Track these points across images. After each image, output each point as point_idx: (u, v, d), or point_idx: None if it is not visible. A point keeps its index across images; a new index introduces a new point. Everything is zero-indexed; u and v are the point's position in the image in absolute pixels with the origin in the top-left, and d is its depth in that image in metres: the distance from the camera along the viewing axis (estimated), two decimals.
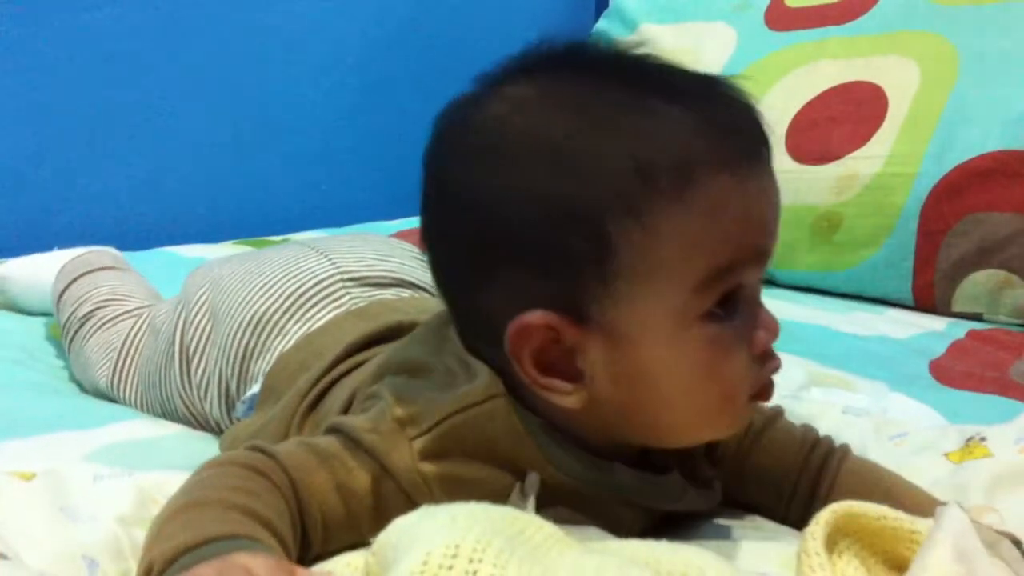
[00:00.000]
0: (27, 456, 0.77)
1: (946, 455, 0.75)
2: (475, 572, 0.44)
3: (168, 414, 0.92)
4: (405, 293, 0.86)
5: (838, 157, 1.43)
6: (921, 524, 0.55)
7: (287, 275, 0.85)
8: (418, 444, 0.59)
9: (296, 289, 0.84)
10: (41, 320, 1.23)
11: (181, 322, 0.90)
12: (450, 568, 0.44)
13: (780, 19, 1.67)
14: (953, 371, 1.08)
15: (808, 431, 0.71)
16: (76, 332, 1.05)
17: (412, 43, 2.02)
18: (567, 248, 0.56)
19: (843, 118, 1.46)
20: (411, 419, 0.59)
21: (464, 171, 0.59)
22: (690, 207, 0.56)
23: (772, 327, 0.60)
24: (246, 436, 0.75)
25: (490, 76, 0.61)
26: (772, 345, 0.60)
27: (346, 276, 0.85)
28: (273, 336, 0.82)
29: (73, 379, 1.06)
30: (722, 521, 0.67)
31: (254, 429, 0.76)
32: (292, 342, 0.81)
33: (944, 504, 0.58)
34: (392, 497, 0.59)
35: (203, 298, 0.90)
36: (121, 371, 0.97)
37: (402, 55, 2.00)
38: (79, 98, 1.68)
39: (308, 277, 0.84)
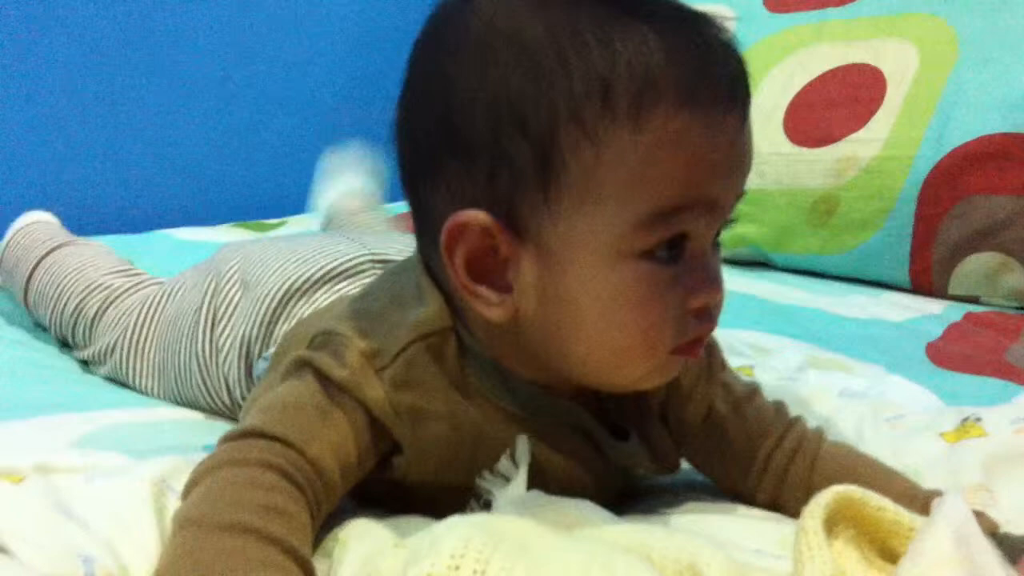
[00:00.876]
0: (22, 439, 0.78)
1: (942, 435, 0.75)
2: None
3: (180, 381, 0.92)
4: None
5: (836, 140, 1.43)
6: (920, 521, 0.55)
7: (320, 252, 0.86)
8: (387, 375, 0.59)
9: (328, 263, 0.85)
10: None
11: (210, 291, 0.91)
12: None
13: (779, 1, 1.67)
14: (950, 354, 1.08)
15: (782, 409, 0.70)
16: (73, 325, 1.05)
17: (410, 27, 2.00)
18: (515, 154, 0.55)
19: (841, 101, 1.46)
20: (374, 352, 0.59)
21: (434, 63, 0.59)
22: (644, 137, 0.54)
23: (713, 288, 0.58)
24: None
25: None
26: (714, 308, 0.59)
27: (377, 258, 0.86)
28: (301, 304, 0.83)
29: (72, 361, 1.06)
30: (708, 502, 0.67)
31: (265, 386, 0.76)
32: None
33: (934, 491, 0.59)
34: (367, 432, 0.59)
35: (234, 268, 0.91)
36: (136, 341, 0.97)
37: (400, 39, 1.99)
38: (78, 83, 1.68)
39: (340, 255, 0.86)
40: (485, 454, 0.61)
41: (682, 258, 0.57)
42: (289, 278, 0.85)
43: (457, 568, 0.46)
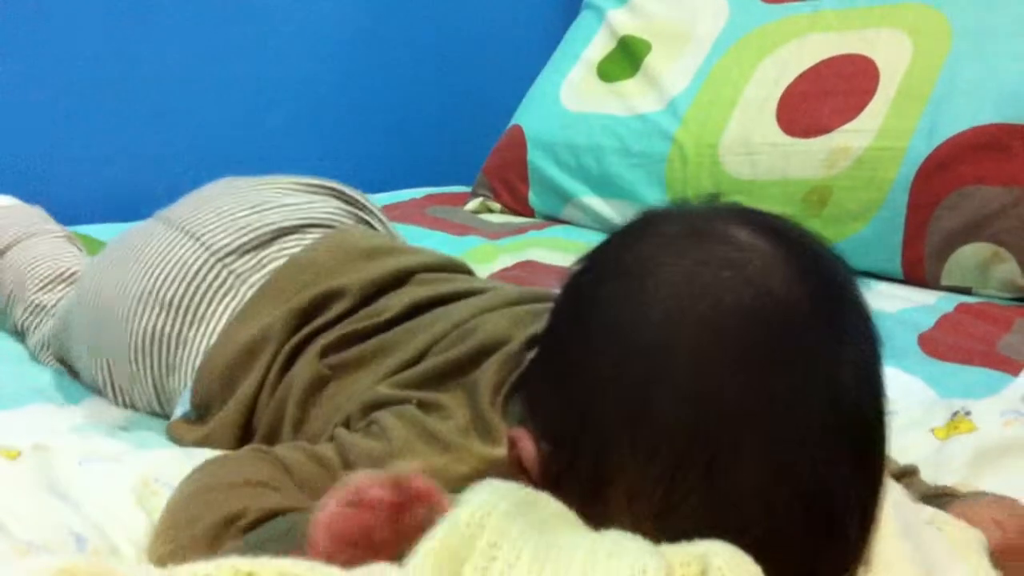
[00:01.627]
0: (15, 427, 0.77)
1: (932, 431, 0.75)
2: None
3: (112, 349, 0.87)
4: (291, 240, 0.81)
5: (829, 131, 1.43)
6: None
7: (159, 277, 0.79)
8: None
9: (175, 293, 0.78)
10: None
11: (85, 361, 0.87)
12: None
13: None
14: (942, 344, 1.08)
15: None
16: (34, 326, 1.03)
17: (404, 12, 2.00)
18: (599, 420, 0.49)
19: (834, 91, 1.46)
20: None
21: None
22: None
23: None
24: (192, 443, 0.73)
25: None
26: None
27: (220, 254, 0.80)
28: (175, 351, 0.78)
29: None
30: None
31: (200, 437, 0.73)
32: (200, 351, 0.77)
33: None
34: None
35: (84, 327, 0.86)
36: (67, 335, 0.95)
37: (394, 25, 1.99)
38: (79, 69, 1.67)
39: (181, 272, 0.79)
40: None
41: None
42: (144, 330, 0.79)
43: (472, 537, 0.44)
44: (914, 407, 0.81)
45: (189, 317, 0.78)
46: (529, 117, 1.79)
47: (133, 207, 1.60)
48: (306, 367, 0.71)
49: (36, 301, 1.01)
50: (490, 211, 1.78)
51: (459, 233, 1.54)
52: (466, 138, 1.95)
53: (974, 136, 1.31)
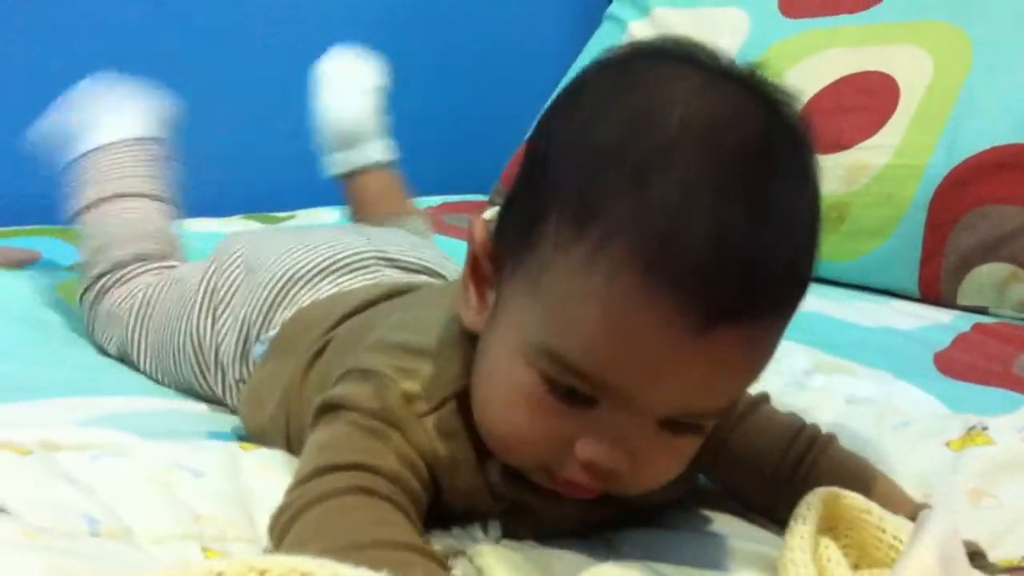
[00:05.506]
0: (25, 421, 0.78)
1: (947, 443, 0.75)
2: None
3: (176, 363, 0.92)
4: (436, 282, 0.87)
5: (848, 147, 1.43)
6: (903, 527, 0.55)
7: (326, 243, 0.88)
8: (429, 422, 0.58)
9: (333, 255, 0.86)
10: (49, 280, 1.23)
11: (211, 272, 0.91)
12: None
13: (794, 5, 1.67)
14: (958, 363, 1.08)
15: (794, 418, 0.69)
16: (92, 288, 1.03)
17: (424, 21, 2.01)
18: (535, 200, 0.53)
19: (854, 107, 1.46)
20: (416, 396, 0.59)
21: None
22: (589, 279, 0.49)
23: (596, 453, 0.52)
24: (264, 392, 0.76)
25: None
26: (610, 473, 0.53)
27: (381, 255, 0.87)
28: (304, 291, 0.83)
29: (81, 339, 1.06)
30: (703, 521, 0.66)
31: (270, 384, 0.76)
32: (320, 299, 0.82)
33: (926, 507, 0.58)
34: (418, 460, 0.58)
35: (239, 253, 0.91)
36: (141, 320, 0.97)
37: (414, 33, 2.00)
38: (90, 70, 1.68)
39: (346, 248, 0.87)
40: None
41: (593, 408, 0.52)
42: (294, 265, 0.85)
43: None
44: (928, 421, 0.81)
45: (331, 275, 0.84)
46: None
47: None
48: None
49: (141, 251, 1.02)
50: None
51: None
52: (484, 146, 1.96)
53: (993, 155, 1.31)
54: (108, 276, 1.03)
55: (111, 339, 1.01)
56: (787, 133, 0.53)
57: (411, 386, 0.59)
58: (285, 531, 0.52)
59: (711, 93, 0.52)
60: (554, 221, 0.51)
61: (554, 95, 0.59)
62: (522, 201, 0.56)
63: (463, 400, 0.59)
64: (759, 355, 0.53)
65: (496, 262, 0.57)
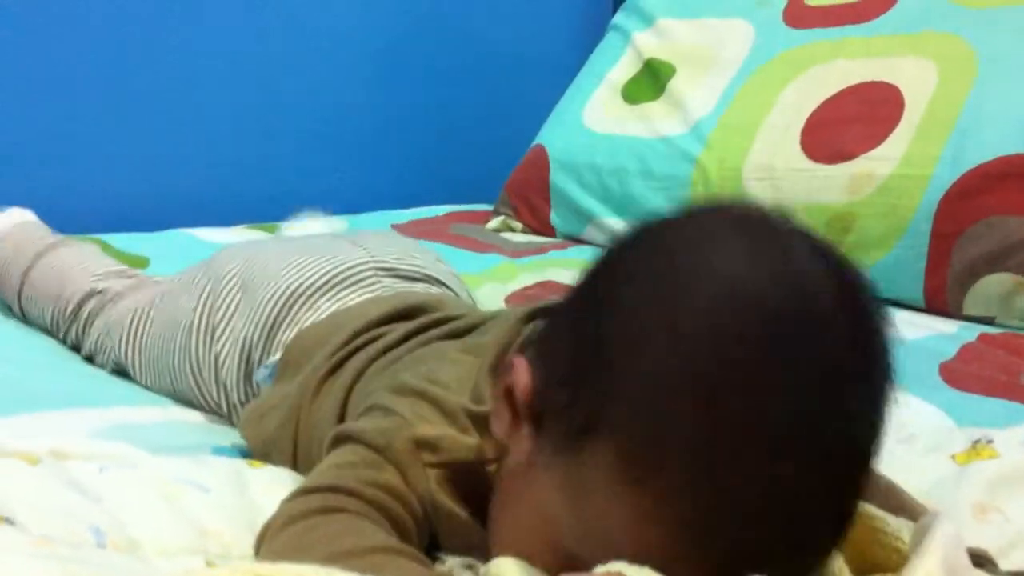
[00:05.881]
0: (33, 432, 0.78)
1: (952, 456, 0.74)
2: None
3: (176, 382, 0.92)
4: (434, 289, 0.88)
5: (853, 157, 1.43)
6: (906, 532, 0.55)
7: (323, 257, 0.87)
8: (433, 473, 0.59)
9: (331, 270, 0.86)
10: None
11: (207, 292, 0.91)
12: None
13: (799, 16, 1.67)
14: (963, 374, 1.08)
15: None
16: (71, 326, 1.05)
17: (429, 31, 2.02)
18: (593, 408, 0.49)
19: (859, 118, 1.46)
20: (428, 444, 0.59)
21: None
22: (641, 525, 0.47)
23: None
24: (268, 408, 0.77)
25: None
26: None
27: (379, 266, 0.87)
28: (304, 309, 0.84)
29: (74, 354, 1.06)
30: None
31: (275, 401, 0.77)
32: (321, 318, 0.83)
33: (935, 512, 0.58)
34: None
35: (234, 271, 0.91)
36: (132, 340, 0.98)
37: (419, 43, 2.00)
38: (95, 80, 1.68)
39: (343, 261, 0.87)
40: None
41: None
42: (291, 284, 0.85)
43: None
44: (933, 433, 0.81)
45: (331, 292, 0.84)
46: (552, 137, 1.79)
47: (147, 217, 1.62)
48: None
49: (96, 287, 1.05)
50: (511, 230, 1.78)
51: (481, 250, 1.55)
52: (489, 157, 1.96)
53: (999, 165, 1.31)
54: (84, 305, 1.04)
55: (107, 361, 1.01)
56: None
57: (426, 432, 0.59)
58: (256, 554, 0.55)
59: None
60: (612, 451, 0.48)
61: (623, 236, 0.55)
62: (574, 377, 0.51)
63: (474, 469, 0.59)
64: None
65: (535, 422, 0.53)
